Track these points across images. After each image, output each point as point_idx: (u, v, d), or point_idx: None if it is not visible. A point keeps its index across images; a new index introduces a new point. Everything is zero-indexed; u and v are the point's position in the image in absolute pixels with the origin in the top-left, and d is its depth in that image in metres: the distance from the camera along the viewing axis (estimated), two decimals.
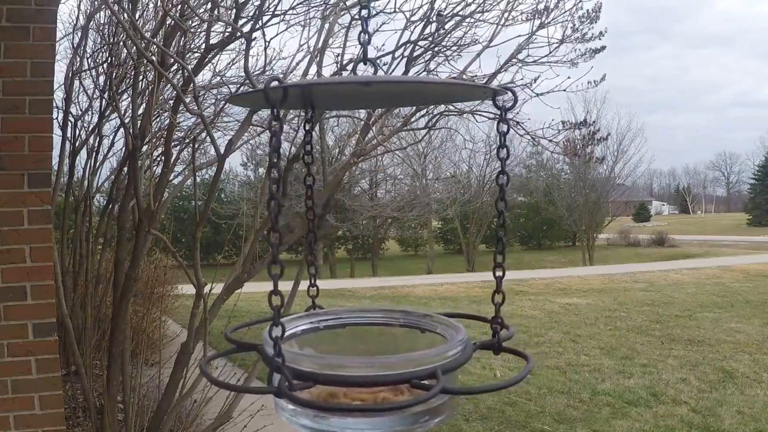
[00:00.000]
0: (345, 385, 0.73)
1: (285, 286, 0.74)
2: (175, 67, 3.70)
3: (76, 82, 4.72)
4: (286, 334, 0.83)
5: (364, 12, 0.89)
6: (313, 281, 1.02)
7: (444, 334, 0.85)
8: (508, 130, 0.82)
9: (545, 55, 3.86)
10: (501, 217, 0.85)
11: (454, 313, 0.94)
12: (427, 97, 1.08)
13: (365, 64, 0.90)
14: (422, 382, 0.71)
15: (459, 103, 3.87)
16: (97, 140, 4.99)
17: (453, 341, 0.79)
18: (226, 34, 3.47)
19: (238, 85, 4.58)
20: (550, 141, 4.25)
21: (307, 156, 0.97)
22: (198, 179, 4.60)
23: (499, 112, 0.81)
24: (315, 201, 1.02)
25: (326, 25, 3.37)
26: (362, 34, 0.88)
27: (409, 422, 0.72)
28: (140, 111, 3.59)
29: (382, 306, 0.98)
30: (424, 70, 3.79)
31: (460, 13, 3.67)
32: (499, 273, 0.86)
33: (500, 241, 0.86)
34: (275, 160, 0.69)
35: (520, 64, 3.80)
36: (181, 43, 3.64)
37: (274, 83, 0.68)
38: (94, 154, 5.05)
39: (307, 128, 0.99)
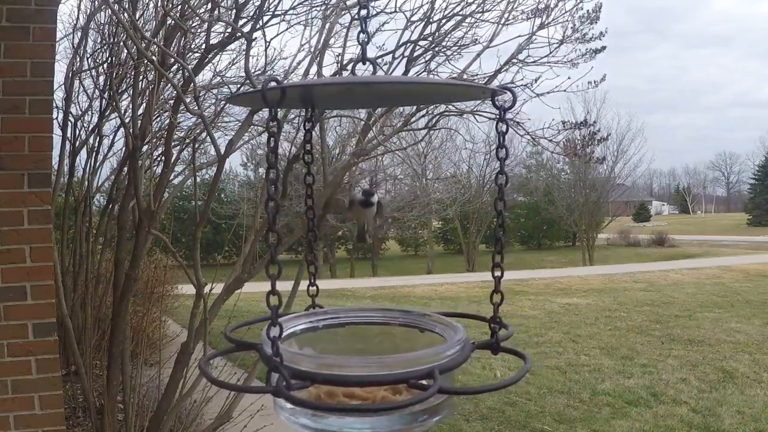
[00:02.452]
0: (343, 385, 0.73)
1: (285, 286, 0.75)
2: (175, 67, 3.70)
3: (76, 82, 4.72)
4: (286, 333, 0.83)
5: (363, 12, 0.89)
6: (312, 280, 1.03)
7: (443, 333, 0.85)
8: (507, 130, 0.83)
9: (545, 56, 3.86)
10: (500, 218, 0.86)
11: (453, 313, 0.94)
12: (428, 97, 1.08)
13: (364, 63, 0.90)
14: (420, 382, 0.71)
15: (459, 103, 3.87)
16: (97, 140, 5.00)
17: (451, 341, 0.79)
18: (227, 34, 3.47)
19: (239, 85, 4.58)
20: (550, 141, 4.24)
21: (307, 155, 0.98)
22: (198, 179, 4.59)
23: (498, 113, 0.82)
24: (315, 201, 1.02)
25: (327, 25, 3.37)
26: (361, 33, 0.89)
27: (408, 421, 0.73)
28: (140, 111, 3.59)
29: (381, 305, 1.00)
30: (424, 70, 3.79)
31: (461, 12, 3.67)
32: (497, 273, 0.87)
33: (499, 242, 0.86)
34: (273, 161, 0.70)
35: (520, 65, 3.80)
36: (182, 43, 3.64)
37: (272, 84, 0.69)
38: (94, 154, 5.05)
39: (307, 127, 0.99)
